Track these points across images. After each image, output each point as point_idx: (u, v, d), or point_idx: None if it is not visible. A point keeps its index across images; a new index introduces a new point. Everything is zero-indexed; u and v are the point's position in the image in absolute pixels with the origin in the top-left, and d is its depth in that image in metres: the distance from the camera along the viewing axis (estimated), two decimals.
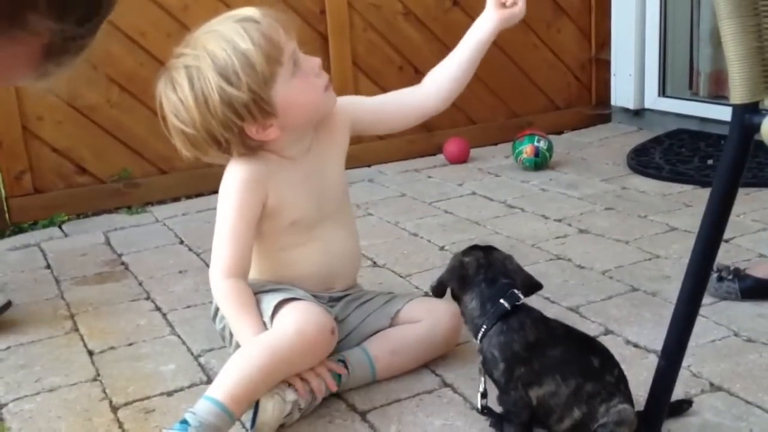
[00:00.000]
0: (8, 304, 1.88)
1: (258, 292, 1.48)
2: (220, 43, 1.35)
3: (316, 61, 1.45)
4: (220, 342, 1.62)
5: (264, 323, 1.43)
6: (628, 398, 1.26)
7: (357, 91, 3.15)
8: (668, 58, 3.44)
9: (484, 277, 1.31)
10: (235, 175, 1.47)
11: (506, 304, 1.28)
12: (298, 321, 1.39)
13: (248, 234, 1.47)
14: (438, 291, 1.37)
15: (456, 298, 1.37)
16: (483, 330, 1.28)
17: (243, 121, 1.37)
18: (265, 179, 1.47)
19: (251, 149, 1.44)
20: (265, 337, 1.39)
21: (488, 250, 1.36)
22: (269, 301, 1.44)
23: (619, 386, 1.26)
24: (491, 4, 1.56)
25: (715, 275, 1.78)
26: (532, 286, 1.34)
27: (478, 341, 1.30)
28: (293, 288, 1.49)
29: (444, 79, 1.62)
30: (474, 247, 1.37)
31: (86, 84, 2.72)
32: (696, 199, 2.49)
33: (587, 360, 1.25)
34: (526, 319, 1.28)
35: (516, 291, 1.30)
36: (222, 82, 1.34)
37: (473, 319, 1.32)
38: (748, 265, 1.83)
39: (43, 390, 1.60)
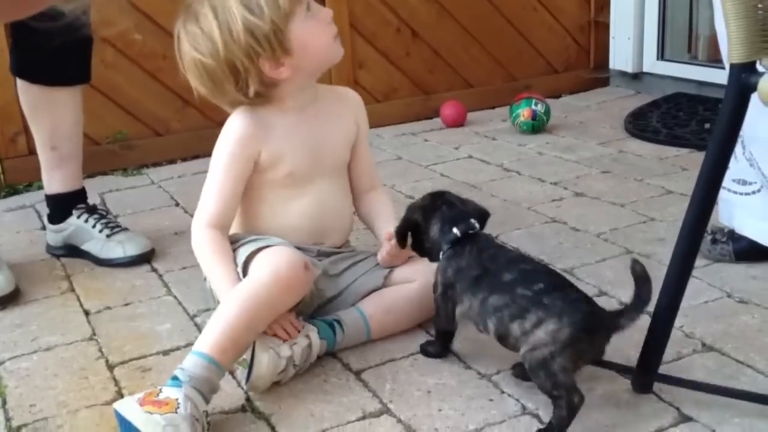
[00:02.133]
0: (16, 291, 1.83)
1: (237, 245, 1.51)
2: None
3: (327, 12, 1.51)
4: (215, 303, 1.63)
5: (238, 273, 1.45)
6: (565, 311, 1.23)
7: (354, 54, 3.13)
8: (667, 21, 3.42)
9: (443, 203, 1.45)
10: (232, 127, 1.52)
11: (457, 232, 1.40)
12: (270, 263, 1.41)
13: (234, 189, 1.51)
14: (403, 229, 1.47)
15: (419, 236, 1.46)
16: (441, 254, 1.41)
17: (263, 50, 1.43)
18: (261, 134, 1.51)
19: (265, 88, 1.48)
20: (241, 285, 1.41)
21: (440, 192, 1.50)
22: (242, 253, 1.47)
23: (540, 299, 1.24)
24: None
25: (709, 237, 1.78)
26: (482, 214, 1.47)
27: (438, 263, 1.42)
28: (270, 237, 1.50)
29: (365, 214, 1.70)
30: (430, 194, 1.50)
31: None
32: (692, 162, 2.49)
33: (498, 276, 1.31)
34: (470, 246, 1.39)
35: (473, 220, 1.42)
36: (245, 12, 1.41)
37: (434, 240, 1.43)
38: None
39: (40, 349, 1.61)
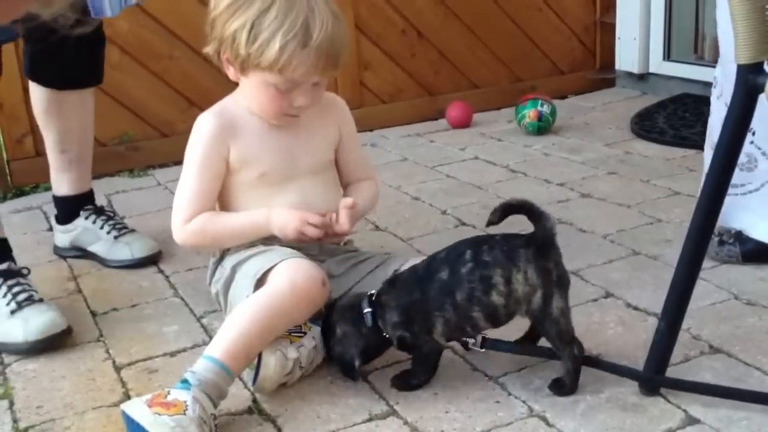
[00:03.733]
0: (69, 330, 1.64)
1: (247, 254, 1.50)
2: (277, 6, 1.39)
3: (304, 104, 1.47)
4: (221, 307, 1.63)
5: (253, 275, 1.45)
6: (510, 255, 1.29)
7: (360, 55, 3.13)
8: (673, 22, 3.41)
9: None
10: (199, 128, 1.53)
11: (366, 307, 1.38)
12: (288, 275, 1.40)
13: (210, 187, 1.52)
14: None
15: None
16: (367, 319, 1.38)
17: (226, 52, 1.45)
18: (229, 134, 1.51)
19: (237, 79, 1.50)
20: (258, 294, 1.40)
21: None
22: (255, 264, 1.46)
23: (484, 261, 1.29)
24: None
25: (716, 239, 1.78)
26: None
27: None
28: (283, 249, 1.49)
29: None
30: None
31: None
32: (699, 163, 2.47)
33: (434, 280, 1.33)
34: (385, 296, 1.39)
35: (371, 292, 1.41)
36: (245, 31, 1.40)
37: (370, 340, 1.40)
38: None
39: (46, 350, 1.61)
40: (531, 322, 1.38)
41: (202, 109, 2.96)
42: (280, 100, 1.46)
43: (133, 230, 2.04)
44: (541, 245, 1.29)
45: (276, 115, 1.50)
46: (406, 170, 2.68)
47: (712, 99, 1.83)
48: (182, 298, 1.81)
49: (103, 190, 2.63)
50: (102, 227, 2.02)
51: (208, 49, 1.49)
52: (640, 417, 1.28)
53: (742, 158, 1.69)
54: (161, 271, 1.97)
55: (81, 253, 2.04)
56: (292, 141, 1.54)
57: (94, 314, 1.76)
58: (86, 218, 2.04)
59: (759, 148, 1.72)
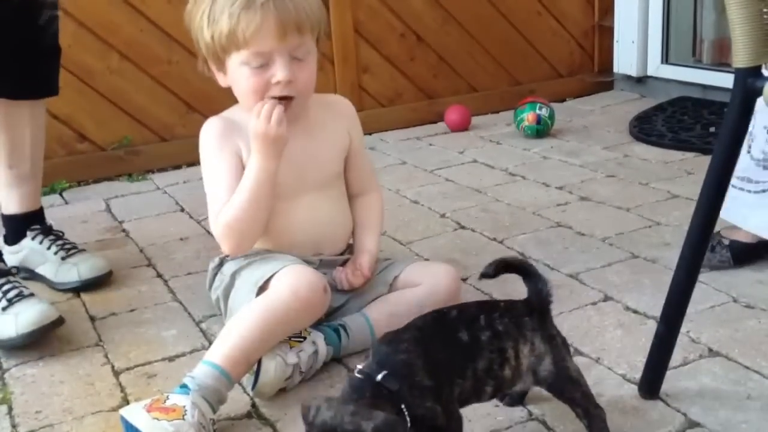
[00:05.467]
0: (60, 320, 1.66)
1: (246, 261, 1.50)
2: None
3: (282, 77, 1.43)
4: (221, 312, 1.63)
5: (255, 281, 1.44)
6: (517, 323, 1.17)
7: (358, 59, 3.13)
8: (671, 25, 3.41)
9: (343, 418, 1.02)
10: (205, 132, 1.52)
11: (386, 376, 1.06)
12: (291, 282, 1.40)
13: (233, 177, 1.48)
14: None
15: None
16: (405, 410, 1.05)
17: (201, 50, 1.48)
18: (235, 131, 1.50)
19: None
20: (260, 300, 1.40)
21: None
22: (256, 271, 1.45)
23: (497, 330, 1.15)
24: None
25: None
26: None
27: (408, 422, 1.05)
28: (283, 256, 1.49)
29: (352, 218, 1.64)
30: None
31: (85, 51, 2.71)
32: (697, 166, 2.49)
33: (458, 342, 1.13)
34: (402, 356, 1.09)
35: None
36: (205, 17, 1.44)
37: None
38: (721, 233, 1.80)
39: (45, 355, 1.61)
40: (546, 391, 1.21)
41: (201, 114, 2.99)
42: (256, 80, 1.44)
43: (82, 250, 1.95)
44: (541, 312, 1.20)
45: (259, 99, 1.45)
46: (405, 174, 2.68)
47: None
48: (181, 303, 1.81)
49: (102, 195, 2.63)
50: (49, 248, 1.91)
51: (199, 65, 1.51)
52: (639, 420, 1.28)
53: (759, 155, 1.67)
54: (160, 276, 1.97)
55: (30, 274, 1.93)
56: (301, 152, 1.52)
57: (92, 319, 1.76)
58: (33, 239, 1.93)
59: None
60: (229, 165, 1.50)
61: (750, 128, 1.65)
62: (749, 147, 1.70)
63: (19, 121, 1.84)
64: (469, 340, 1.13)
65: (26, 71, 1.81)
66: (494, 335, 1.15)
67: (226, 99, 1.56)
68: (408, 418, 1.04)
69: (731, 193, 1.73)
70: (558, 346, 1.19)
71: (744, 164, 1.68)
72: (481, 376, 1.14)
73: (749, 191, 1.71)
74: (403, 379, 1.06)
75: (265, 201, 1.46)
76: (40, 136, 1.90)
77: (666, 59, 3.43)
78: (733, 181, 1.72)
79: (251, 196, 1.44)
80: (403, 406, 1.05)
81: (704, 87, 3.22)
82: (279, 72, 1.43)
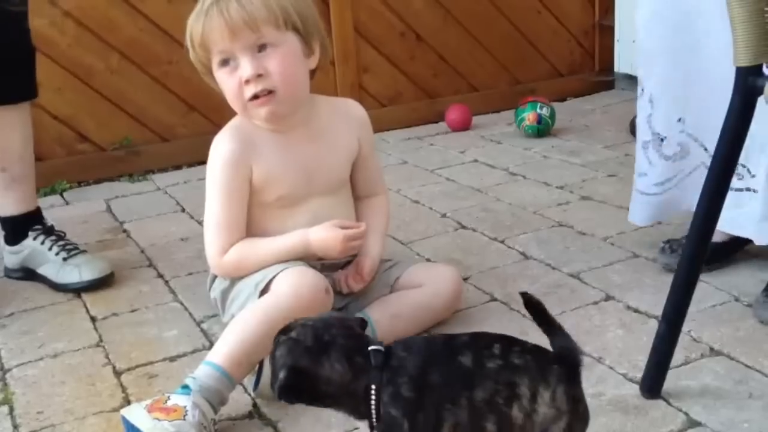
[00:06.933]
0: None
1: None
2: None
3: (247, 74, 1.42)
4: (222, 313, 1.63)
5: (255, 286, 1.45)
6: (543, 368, 1.00)
7: (359, 58, 3.13)
8: None
9: (331, 334, 1.05)
10: (219, 151, 1.49)
11: (380, 348, 1.04)
12: (292, 283, 1.40)
13: (238, 215, 1.49)
14: (287, 386, 1.02)
15: (312, 387, 1.04)
16: (372, 390, 1.02)
17: (193, 56, 1.48)
18: (249, 152, 1.48)
19: None
20: (261, 301, 1.40)
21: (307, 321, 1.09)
22: (260, 272, 1.46)
23: (513, 364, 1.00)
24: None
25: (665, 246, 1.79)
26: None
27: (372, 408, 1.02)
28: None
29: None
30: (289, 326, 1.08)
31: (86, 51, 2.71)
32: None
33: (455, 364, 1.01)
34: (401, 354, 1.04)
35: (369, 336, 1.09)
36: (187, 31, 1.47)
37: (348, 387, 1.03)
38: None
39: (47, 356, 1.61)
40: None
41: (201, 114, 3.00)
42: (231, 82, 1.44)
43: (83, 251, 1.95)
44: (571, 368, 1.02)
45: (241, 103, 1.45)
46: (406, 173, 2.68)
47: (638, 100, 1.88)
48: (182, 303, 1.81)
49: (103, 195, 2.63)
50: (51, 248, 1.93)
51: (205, 79, 1.51)
52: (641, 419, 1.28)
53: (675, 148, 1.74)
54: (161, 276, 1.97)
55: (30, 274, 1.95)
56: (310, 157, 1.52)
57: (93, 319, 1.76)
58: (34, 239, 1.94)
59: (690, 135, 1.73)
60: (237, 199, 1.48)
61: (654, 135, 1.76)
62: (658, 152, 1.77)
63: (7, 126, 1.87)
64: (471, 366, 1.01)
65: (4, 76, 1.81)
66: (506, 366, 1.00)
67: (225, 99, 1.56)
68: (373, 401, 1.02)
69: (652, 201, 1.81)
70: (579, 413, 1.02)
71: (660, 170, 1.77)
72: (480, 407, 0.99)
73: (669, 189, 1.78)
74: (388, 370, 1.02)
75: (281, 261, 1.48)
76: (29, 138, 1.92)
77: None
78: (653, 190, 1.79)
79: (276, 260, 1.46)
80: (372, 387, 1.02)
81: None
82: (243, 69, 1.42)
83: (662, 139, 1.76)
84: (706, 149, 1.71)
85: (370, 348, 1.04)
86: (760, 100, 1.14)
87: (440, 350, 1.04)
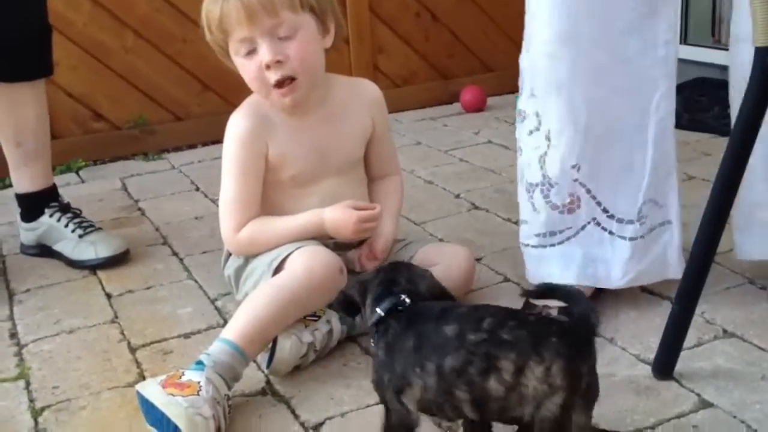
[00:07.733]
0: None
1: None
2: None
3: (267, 59, 1.42)
4: (236, 291, 1.64)
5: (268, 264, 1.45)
6: (538, 341, 0.99)
7: (373, 38, 3.12)
8: (690, 4, 3.37)
9: (380, 280, 1.17)
10: (234, 129, 1.50)
11: (380, 311, 1.12)
12: (306, 262, 1.41)
13: (253, 193, 1.50)
14: (343, 303, 1.25)
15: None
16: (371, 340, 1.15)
17: (211, 40, 1.49)
18: (265, 133, 1.49)
19: None
20: (275, 279, 1.41)
21: (397, 264, 1.23)
22: (274, 251, 1.46)
23: (499, 338, 1.01)
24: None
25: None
26: (438, 296, 1.17)
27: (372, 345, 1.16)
28: None
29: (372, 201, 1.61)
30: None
31: (100, 29, 2.71)
32: (714, 147, 2.46)
33: (438, 333, 1.04)
34: (400, 318, 1.11)
35: (403, 296, 1.13)
36: (203, 13, 1.47)
37: (367, 321, 1.17)
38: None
39: (62, 331, 1.63)
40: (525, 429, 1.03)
41: (216, 93, 3.00)
42: (250, 67, 1.44)
43: (99, 228, 1.97)
44: (579, 341, 1.01)
45: (261, 86, 1.46)
46: (420, 154, 2.67)
47: (522, 135, 1.55)
48: (196, 281, 1.82)
49: (118, 174, 2.65)
50: (67, 225, 1.95)
51: (223, 59, 1.51)
52: (653, 400, 1.28)
53: (565, 199, 1.50)
54: (176, 254, 1.98)
55: (46, 251, 1.97)
56: (324, 137, 1.53)
57: (109, 296, 1.78)
58: (51, 216, 1.96)
59: (583, 186, 1.49)
60: (252, 177, 1.50)
61: (545, 178, 1.50)
62: (546, 199, 1.51)
63: (22, 102, 1.89)
64: (451, 336, 1.03)
65: (21, 53, 1.83)
66: (488, 340, 1.01)
67: (241, 78, 1.56)
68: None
69: (533, 254, 1.57)
70: (579, 387, 0.99)
71: (543, 219, 1.52)
72: (449, 376, 1.02)
73: (552, 245, 1.53)
74: (383, 324, 1.12)
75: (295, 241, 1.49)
76: (44, 115, 1.94)
77: (684, 39, 3.39)
78: (532, 241, 1.55)
79: (290, 239, 1.48)
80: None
81: (723, 68, 3.18)
82: (263, 56, 1.42)
83: (552, 185, 1.51)
84: (599, 203, 1.51)
85: (401, 297, 1.13)
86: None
87: (435, 317, 1.08)
